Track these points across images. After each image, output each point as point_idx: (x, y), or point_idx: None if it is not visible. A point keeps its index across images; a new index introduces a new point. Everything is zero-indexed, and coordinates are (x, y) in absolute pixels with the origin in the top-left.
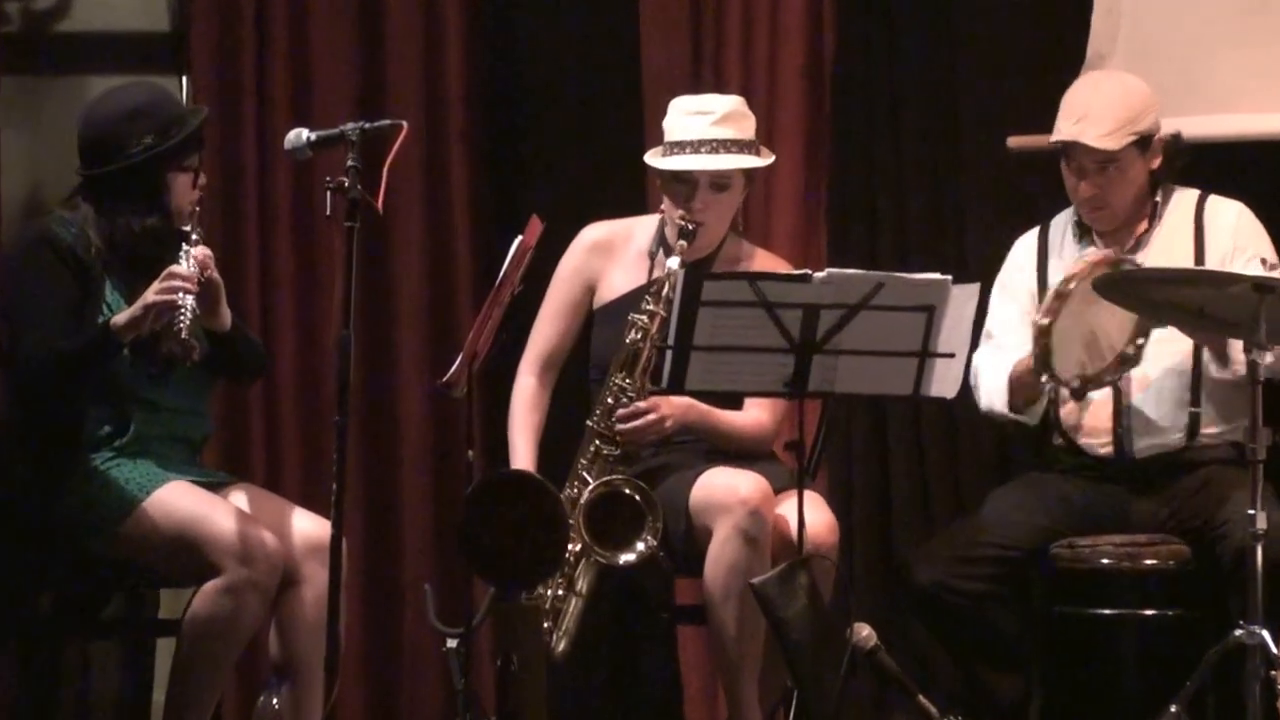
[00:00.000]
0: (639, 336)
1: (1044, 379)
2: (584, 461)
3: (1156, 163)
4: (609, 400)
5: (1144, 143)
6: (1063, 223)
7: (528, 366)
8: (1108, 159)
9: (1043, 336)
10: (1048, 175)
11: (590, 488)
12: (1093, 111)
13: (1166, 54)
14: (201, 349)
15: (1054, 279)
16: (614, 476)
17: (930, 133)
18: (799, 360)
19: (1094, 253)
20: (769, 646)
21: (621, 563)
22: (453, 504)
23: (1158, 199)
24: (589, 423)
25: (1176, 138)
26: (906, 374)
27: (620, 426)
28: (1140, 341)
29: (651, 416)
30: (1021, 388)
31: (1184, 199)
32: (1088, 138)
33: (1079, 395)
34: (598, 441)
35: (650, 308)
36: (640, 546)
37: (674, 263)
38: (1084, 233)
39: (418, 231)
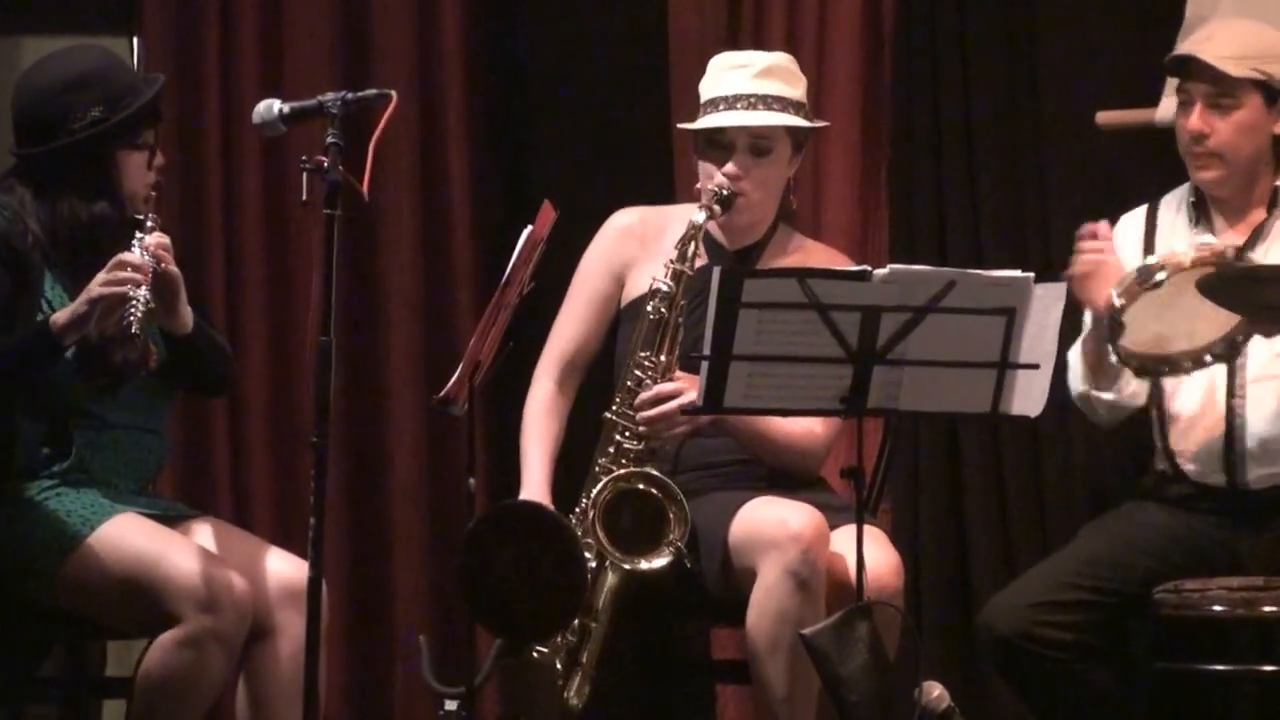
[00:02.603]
0: (663, 304)
1: (1112, 356)
2: (603, 461)
3: None
4: (629, 383)
5: (1271, 93)
6: (1175, 201)
7: (546, 369)
8: (1223, 90)
9: (1114, 316)
10: (1144, 156)
11: (599, 486)
12: (1218, 35)
13: (1275, 17)
14: (158, 355)
15: None
16: (624, 470)
17: (1007, 106)
18: (857, 372)
19: (1203, 246)
20: (823, 707)
21: (645, 568)
22: (451, 541)
23: (1279, 183)
24: (607, 414)
25: None
26: (983, 389)
27: (643, 414)
28: (1239, 339)
29: (681, 400)
30: (1095, 355)
31: None
32: (1204, 53)
33: (1151, 375)
34: (618, 435)
35: (676, 266)
36: (667, 551)
37: (700, 216)
38: (1200, 215)
39: (410, 220)
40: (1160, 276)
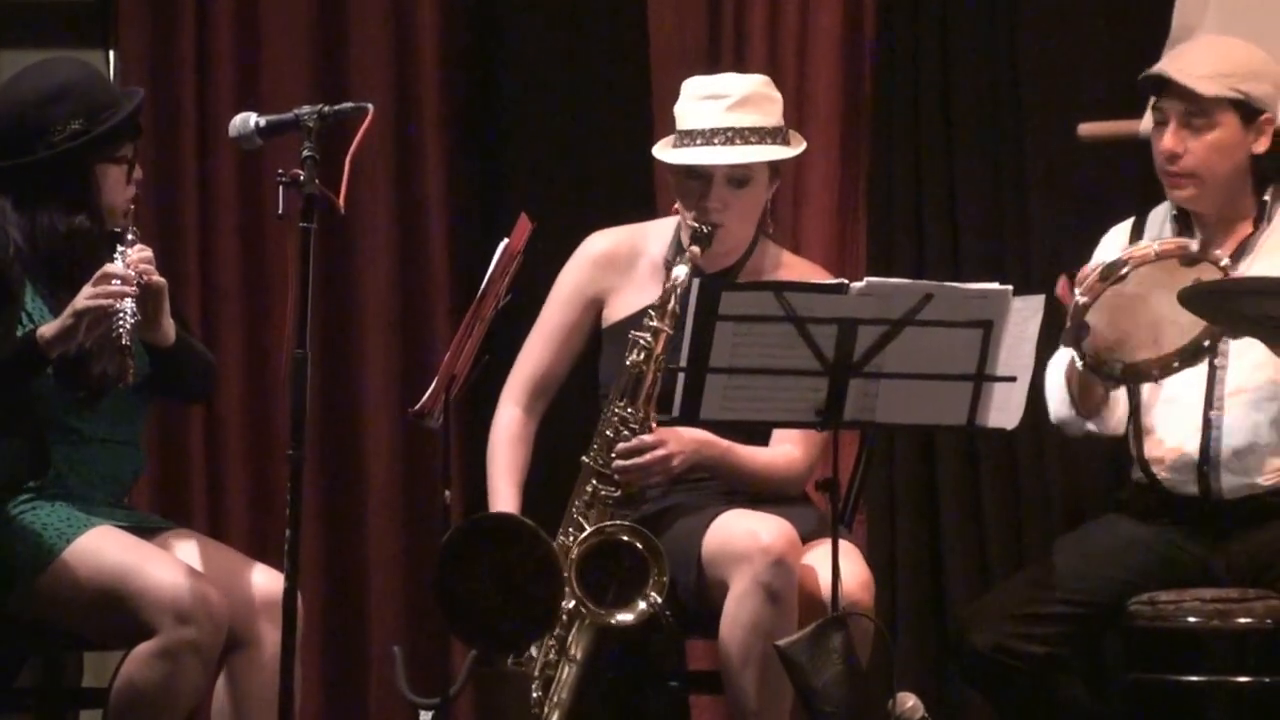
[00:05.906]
0: (641, 358)
1: (1077, 361)
2: (579, 505)
3: (1261, 145)
4: (608, 433)
5: (1248, 112)
6: (1161, 215)
7: (512, 393)
8: (1197, 109)
9: (1077, 315)
10: (1126, 169)
11: (583, 535)
12: (1193, 54)
13: (1264, 25)
14: (137, 369)
15: None
16: (611, 523)
17: (988, 118)
18: (833, 384)
19: (1166, 240)
20: (796, 718)
21: (617, 623)
22: (427, 552)
23: (1266, 198)
24: (585, 459)
25: None
26: (959, 401)
27: (619, 464)
28: (1207, 342)
29: (658, 453)
30: (1082, 384)
31: None
32: (1176, 71)
33: (1118, 383)
34: (595, 481)
35: (654, 324)
36: (641, 604)
37: (681, 271)
38: (1184, 227)
39: (386, 233)
40: (1124, 270)
